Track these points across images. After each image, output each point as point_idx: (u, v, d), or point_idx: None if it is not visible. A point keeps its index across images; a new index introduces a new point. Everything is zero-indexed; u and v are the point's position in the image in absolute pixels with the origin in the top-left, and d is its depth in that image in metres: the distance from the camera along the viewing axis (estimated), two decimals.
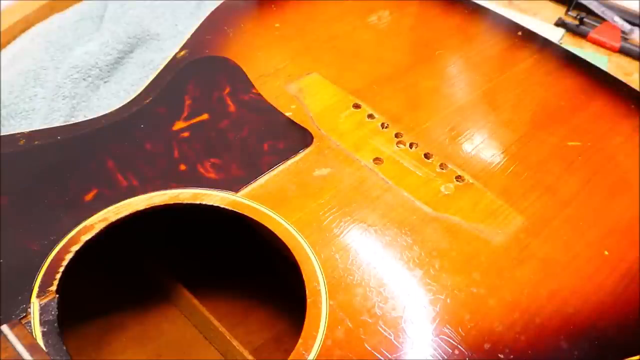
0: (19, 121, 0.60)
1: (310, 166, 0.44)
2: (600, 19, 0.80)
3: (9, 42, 0.69)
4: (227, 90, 0.50)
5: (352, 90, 0.51)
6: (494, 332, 0.35)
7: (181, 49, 0.53)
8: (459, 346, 0.35)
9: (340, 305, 0.36)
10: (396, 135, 0.47)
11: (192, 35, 0.55)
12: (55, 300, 0.35)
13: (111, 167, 0.42)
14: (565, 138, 0.48)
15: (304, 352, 0.34)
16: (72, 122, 0.46)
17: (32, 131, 0.45)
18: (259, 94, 0.50)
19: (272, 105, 0.49)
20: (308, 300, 0.36)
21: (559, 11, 0.83)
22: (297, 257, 0.38)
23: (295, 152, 0.45)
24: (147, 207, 0.40)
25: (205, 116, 0.47)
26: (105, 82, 0.66)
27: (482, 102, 0.51)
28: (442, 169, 0.45)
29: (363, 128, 0.48)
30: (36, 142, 0.44)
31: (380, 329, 0.35)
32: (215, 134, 0.46)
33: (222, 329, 0.42)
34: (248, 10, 0.59)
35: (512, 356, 0.34)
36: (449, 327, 0.35)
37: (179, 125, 0.46)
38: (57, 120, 0.60)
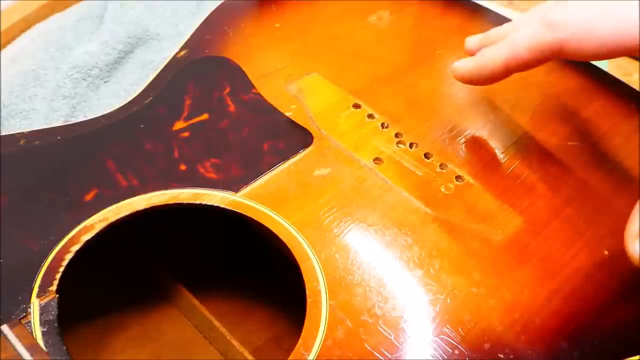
0: (19, 121, 0.60)
1: (311, 166, 0.44)
2: None
3: (9, 42, 0.69)
4: (227, 90, 0.50)
5: (352, 90, 0.51)
6: (494, 332, 0.35)
7: (181, 49, 0.53)
8: (459, 346, 0.35)
9: (340, 305, 0.36)
10: (396, 135, 0.47)
11: (192, 35, 0.55)
12: (55, 300, 0.35)
13: (111, 167, 0.42)
14: (565, 138, 0.48)
15: (304, 352, 0.34)
16: (72, 122, 0.46)
17: (32, 131, 0.44)
18: (259, 94, 0.50)
19: (272, 105, 0.49)
20: (308, 300, 0.36)
21: None
22: (297, 257, 0.38)
23: (295, 152, 0.45)
24: (147, 207, 0.40)
25: (205, 116, 0.47)
26: (105, 82, 0.66)
27: (482, 102, 0.51)
28: (442, 169, 0.45)
29: (363, 128, 0.48)
30: (36, 142, 0.44)
31: (380, 329, 0.35)
32: (215, 134, 0.46)
33: (222, 329, 0.42)
34: (248, 10, 0.59)
35: (512, 356, 0.34)
36: (449, 327, 0.35)
37: (179, 125, 0.46)
38: (57, 120, 0.60)
